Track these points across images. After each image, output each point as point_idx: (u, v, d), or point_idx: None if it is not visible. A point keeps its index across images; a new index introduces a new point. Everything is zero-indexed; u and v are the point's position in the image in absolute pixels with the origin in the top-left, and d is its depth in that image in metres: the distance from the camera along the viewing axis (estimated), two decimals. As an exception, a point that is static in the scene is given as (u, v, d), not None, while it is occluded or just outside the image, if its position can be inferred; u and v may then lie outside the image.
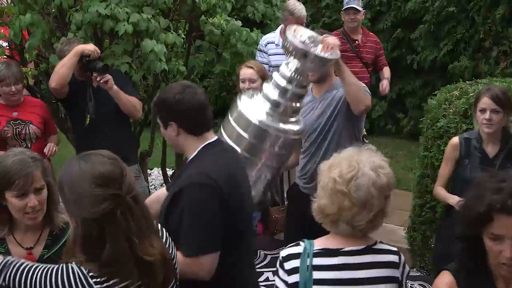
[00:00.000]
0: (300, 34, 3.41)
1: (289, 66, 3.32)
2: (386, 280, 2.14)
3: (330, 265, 2.14)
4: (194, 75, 8.73)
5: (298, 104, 3.39)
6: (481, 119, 3.59)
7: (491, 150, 3.67)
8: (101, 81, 4.16)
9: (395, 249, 2.23)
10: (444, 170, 3.87)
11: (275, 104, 3.30)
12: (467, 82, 4.86)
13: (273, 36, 5.61)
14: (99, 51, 4.27)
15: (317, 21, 8.49)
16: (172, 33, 4.78)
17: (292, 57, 3.31)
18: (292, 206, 4.24)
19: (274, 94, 3.31)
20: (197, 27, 5.32)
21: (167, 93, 2.63)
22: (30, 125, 4.53)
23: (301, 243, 2.18)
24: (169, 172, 6.48)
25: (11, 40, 5.13)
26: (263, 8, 5.65)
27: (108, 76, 4.16)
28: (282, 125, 3.28)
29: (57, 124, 5.12)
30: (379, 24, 8.13)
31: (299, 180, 4.05)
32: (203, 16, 5.20)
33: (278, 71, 3.38)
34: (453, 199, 3.64)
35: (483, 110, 3.58)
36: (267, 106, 3.31)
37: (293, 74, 3.30)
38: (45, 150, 4.46)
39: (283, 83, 3.32)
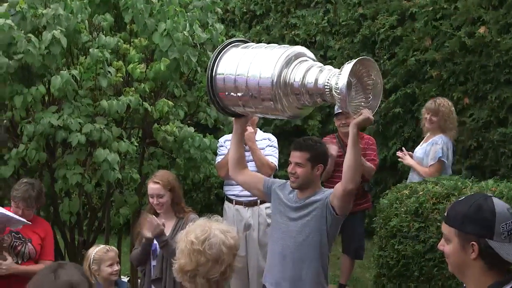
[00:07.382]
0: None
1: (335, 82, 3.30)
2: None
3: None
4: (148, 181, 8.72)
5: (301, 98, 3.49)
6: None
7: None
8: None
9: None
10: None
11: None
12: (416, 181, 4.98)
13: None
14: None
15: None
16: (124, 141, 4.82)
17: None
18: None
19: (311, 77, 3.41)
20: (150, 134, 5.37)
21: None
22: (29, 243, 4.39)
23: None
24: (124, 279, 6.31)
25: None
26: (215, 114, 5.74)
27: None
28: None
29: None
30: (329, 125, 8.32)
31: None
32: (156, 124, 5.26)
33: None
34: None
35: None
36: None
37: (326, 88, 3.35)
38: None
39: (322, 80, 3.37)
